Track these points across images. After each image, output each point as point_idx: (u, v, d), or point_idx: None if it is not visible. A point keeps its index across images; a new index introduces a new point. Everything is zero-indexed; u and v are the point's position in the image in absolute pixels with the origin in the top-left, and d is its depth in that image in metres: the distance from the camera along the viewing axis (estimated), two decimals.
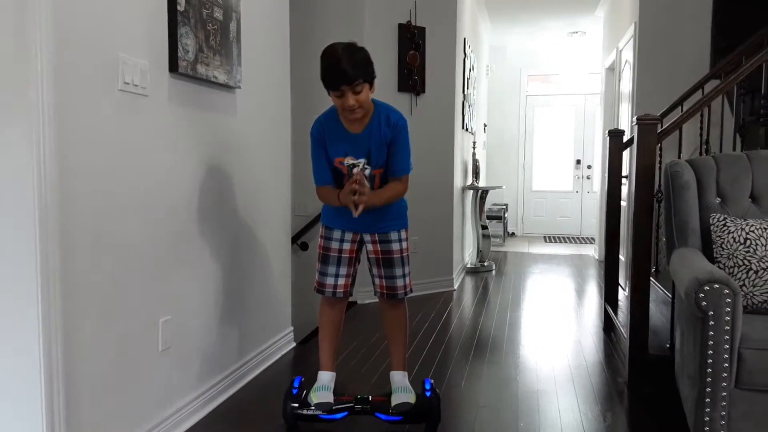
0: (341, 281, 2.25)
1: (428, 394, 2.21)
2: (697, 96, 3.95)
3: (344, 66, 1.97)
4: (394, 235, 2.25)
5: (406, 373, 2.31)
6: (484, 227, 6.00)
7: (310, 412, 2.19)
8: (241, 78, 2.56)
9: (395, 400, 2.20)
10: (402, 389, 2.24)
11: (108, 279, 1.83)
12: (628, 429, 2.31)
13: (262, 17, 2.82)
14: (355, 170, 2.12)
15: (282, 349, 3.12)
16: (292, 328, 3.27)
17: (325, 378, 2.26)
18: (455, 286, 4.94)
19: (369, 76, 2.06)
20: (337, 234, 2.25)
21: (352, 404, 2.21)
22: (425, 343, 3.37)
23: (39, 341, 1.58)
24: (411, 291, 2.30)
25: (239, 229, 2.65)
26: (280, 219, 3.11)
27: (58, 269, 1.62)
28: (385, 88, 4.42)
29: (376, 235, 2.24)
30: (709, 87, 3.81)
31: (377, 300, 2.35)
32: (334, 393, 2.24)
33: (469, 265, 5.86)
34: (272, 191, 2.99)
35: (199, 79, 2.25)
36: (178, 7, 2.07)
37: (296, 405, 2.20)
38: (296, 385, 2.24)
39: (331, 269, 2.25)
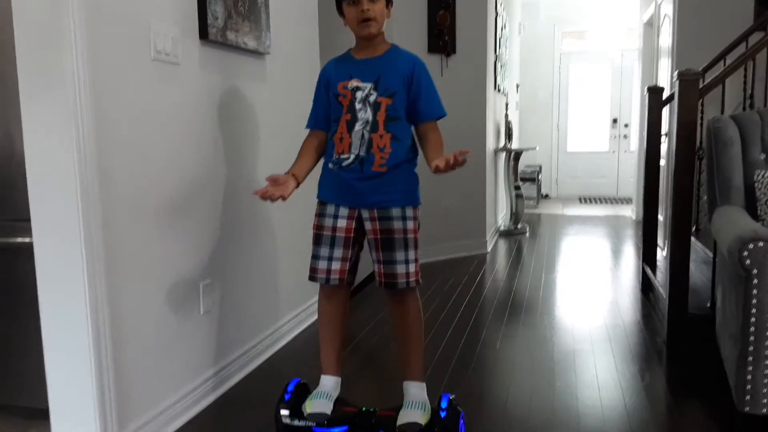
0: (336, 265, 1.87)
1: (443, 414, 1.81)
2: (741, 49, 3.79)
3: None
4: (396, 212, 1.86)
5: (422, 384, 1.92)
6: (518, 189, 5.93)
7: (300, 423, 1.88)
8: (271, 44, 2.55)
9: (402, 418, 1.82)
10: (413, 405, 1.86)
11: (149, 244, 1.87)
12: (667, 388, 2.30)
13: None
14: (358, 94, 1.84)
15: (312, 316, 3.17)
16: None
17: (327, 384, 1.93)
18: (489, 249, 4.93)
19: None
20: (330, 209, 1.90)
21: (354, 417, 1.88)
22: (459, 306, 3.39)
23: (86, 306, 1.64)
24: (417, 282, 1.89)
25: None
26: (313, 186, 3.11)
27: (101, 236, 1.66)
28: (414, 49, 4.30)
29: (375, 211, 1.86)
30: (753, 40, 3.65)
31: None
32: (338, 401, 1.93)
33: (502, 228, 5.83)
34: None
35: (229, 45, 2.25)
36: None
37: (287, 413, 1.89)
38: (290, 389, 1.93)
39: (324, 251, 1.89)
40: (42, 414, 1.92)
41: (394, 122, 1.85)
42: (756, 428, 1.89)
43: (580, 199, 8.42)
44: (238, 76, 2.37)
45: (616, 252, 4.99)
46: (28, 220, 1.67)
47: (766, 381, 1.77)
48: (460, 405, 1.89)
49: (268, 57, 2.58)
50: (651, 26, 5.94)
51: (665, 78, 5.11)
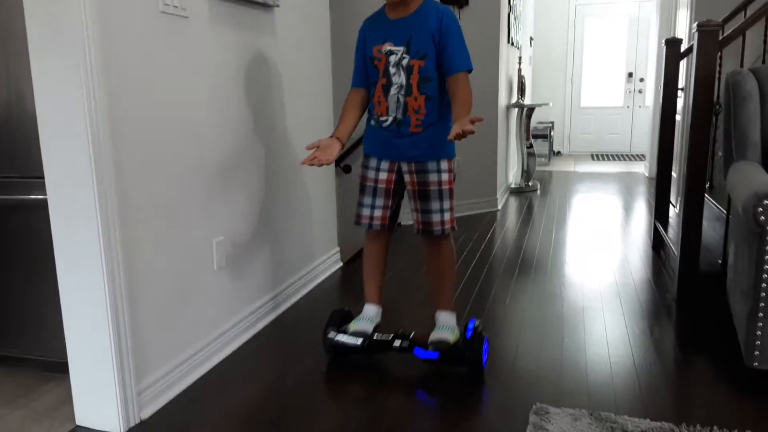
0: (378, 213, 2.11)
1: (468, 335, 2.06)
2: (762, 1, 3.67)
3: None
4: (432, 165, 2.03)
5: (453, 313, 2.18)
6: (530, 146, 5.87)
7: (344, 341, 2.12)
8: None
9: (433, 336, 2.09)
10: (444, 327, 2.13)
11: (161, 201, 1.88)
12: (676, 343, 2.31)
13: None
14: (392, 58, 1.95)
15: (330, 268, 3.21)
16: (338, 248, 3.34)
17: (369, 311, 2.22)
18: (499, 206, 4.91)
19: None
20: (373, 162, 2.10)
21: (391, 338, 2.12)
22: (470, 262, 3.40)
23: (101, 260, 1.65)
24: (453, 228, 2.10)
25: (283, 152, 2.67)
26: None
27: (114, 190, 1.67)
28: None
29: (413, 164, 2.04)
30: None
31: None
32: (377, 327, 2.19)
33: (513, 185, 5.80)
34: (314, 113, 2.98)
35: None
36: None
37: (334, 333, 2.16)
38: (333, 314, 2.22)
39: (367, 200, 2.11)
40: (60, 367, 1.98)
41: (427, 83, 1.97)
42: (764, 383, 1.91)
43: (592, 156, 8.33)
44: (247, 29, 2.33)
45: (628, 209, 4.96)
46: (40, 177, 1.68)
47: None
48: (485, 330, 2.14)
49: (277, 9, 2.53)
50: None
51: (683, 30, 4.97)
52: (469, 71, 1.96)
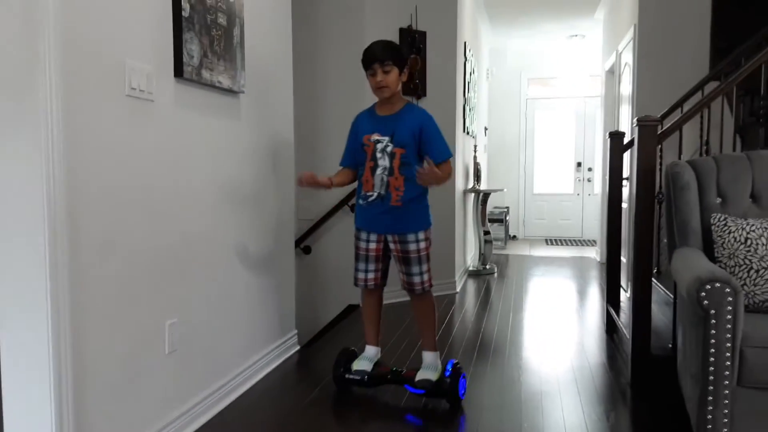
0: (371, 275, 2.58)
1: (447, 373, 2.46)
2: (697, 97, 3.98)
3: (377, 48, 2.41)
4: (411, 237, 2.48)
5: (437, 352, 2.59)
6: (486, 231, 6.01)
7: (350, 377, 2.58)
8: (245, 83, 2.58)
9: (419, 375, 2.48)
10: (428, 367, 2.51)
11: (116, 282, 1.84)
12: (632, 428, 2.32)
13: (264, 22, 2.85)
14: (378, 145, 2.43)
15: (287, 351, 3.14)
16: (296, 331, 3.29)
17: (370, 351, 2.66)
18: (458, 289, 4.96)
19: (399, 62, 2.42)
20: (363, 235, 2.56)
21: (387, 375, 2.55)
22: None
23: (48, 343, 1.60)
24: (430, 286, 2.55)
25: (244, 233, 2.67)
26: (284, 223, 3.13)
27: (67, 272, 1.63)
28: None
29: (396, 236, 2.49)
30: (709, 88, 3.83)
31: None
32: (378, 364, 2.63)
33: (471, 268, 5.88)
34: (276, 195, 3.01)
35: (204, 84, 2.28)
36: (183, 13, 2.10)
37: (342, 370, 2.60)
38: (341, 354, 2.64)
39: (361, 265, 2.58)
40: None
41: (406, 167, 2.42)
42: None
43: (546, 241, 8.56)
44: (212, 114, 2.39)
45: (582, 293, 5.07)
46: None
47: (725, 421, 1.81)
48: (462, 368, 2.52)
49: (242, 96, 2.61)
50: (612, 74, 6.19)
51: (626, 124, 5.30)
52: (449, 157, 2.46)
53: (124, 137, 1.87)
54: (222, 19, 2.36)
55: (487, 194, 6.09)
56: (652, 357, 2.67)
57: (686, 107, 3.91)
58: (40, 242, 1.58)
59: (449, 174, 2.44)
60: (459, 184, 5.17)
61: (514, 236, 8.81)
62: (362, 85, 4.15)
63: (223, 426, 2.32)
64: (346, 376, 2.58)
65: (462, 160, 5.37)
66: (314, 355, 3.22)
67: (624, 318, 3.34)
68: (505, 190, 7.25)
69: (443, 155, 2.43)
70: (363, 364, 2.60)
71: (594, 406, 2.51)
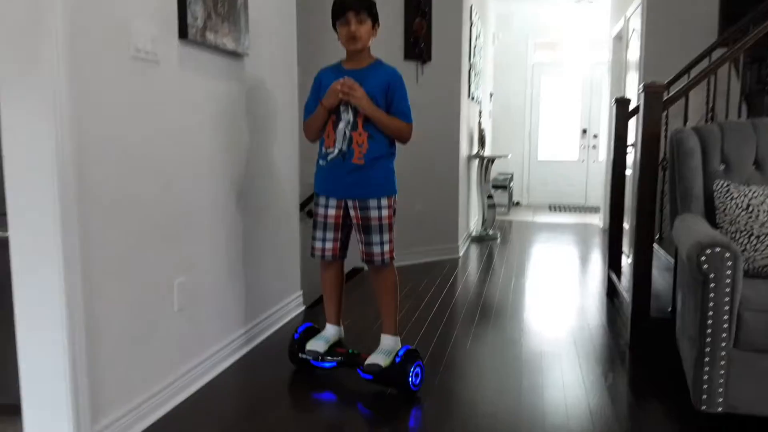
0: (329, 245, 2.36)
1: (397, 360, 2.25)
2: (704, 64, 3.94)
3: None
4: (373, 203, 2.28)
5: (396, 337, 2.39)
6: (490, 196, 6.03)
7: (302, 356, 2.41)
8: (249, 45, 2.58)
9: (369, 359, 2.28)
10: (381, 351, 2.32)
11: (125, 241, 1.88)
12: (629, 388, 2.38)
13: None
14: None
15: (292, 312, 3.20)
16: (301, 292, 3.34)
17: (329, 330, 2.47)
18: (460, 254, 5.00)
19: (373, 15, 2.28)
20: (322, 200, 2.35)
21: (340, 358, 2.38)
22: (431, 307, 3.44)
23: (61, 301, 1.64)
24: (391, 259, 2.33)
25: (249, 195, 2.70)
26: (288, 186, 3.15)
27: (77, 231, 1.67)
28: (391, 55, 4.41)
29: (357, 201, 2.28)
30: (716, 55, 3.80)
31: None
32: (337, 344, 2.46)
33: (474, 234, 5.91)
34: (280, 158, 3.03)
35: (208, 46, 2.27)
36: None
37: (295, 347, 2.44)
38: (300, 330, 2.47)
39: (319, 233, 2.37)
40: (9, 409, 1.91)
41: (371, 124, 2.24)
42: (712, 426, 1.98)
43: (550, 207, 8.57)
44: (216, 76, 2.39)
45: (584, 258, 5.11)
46: (4, 214, 1.67)
47: (721, 381, 1.86)
48: (419, 356, 2.30)
49: (246, 58, 2.61)
50: (620, 40, 6.11)
51: (633, 90, 5.26)
52: (410, 123, 2.30)
53: (130, 99, 1.89)
54: None
55: (491, 160, 6.09)
56: (651, 320, 2.71)
57: (693, 74, 3.87)
58: (50, 200, 1.61)
59: (408, 134, 2.29)
60: (463, 149, 5.17)
61: (518, 202, 8.82)
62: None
63: (226, 383, 2.39)
64: (300, 355, 2.42)
65: (466, 125, 5.36)
66: (319, 315, 3.27)
67: (625, 282, 3.39)
68: (509, 156, 7.23)
69: (406, 119, 2.28)
70: (317, 344, 2.41)
71: (592, 366, 2.57)
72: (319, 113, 2.28)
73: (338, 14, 2.24)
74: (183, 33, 2.11)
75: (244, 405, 2.22)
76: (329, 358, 2.39)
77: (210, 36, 2.25)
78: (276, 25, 2.96)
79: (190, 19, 2.11)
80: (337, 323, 2.50)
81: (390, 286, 2.39)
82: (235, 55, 2.51)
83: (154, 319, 2.04)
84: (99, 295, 1.77)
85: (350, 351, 2.40)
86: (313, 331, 2.49)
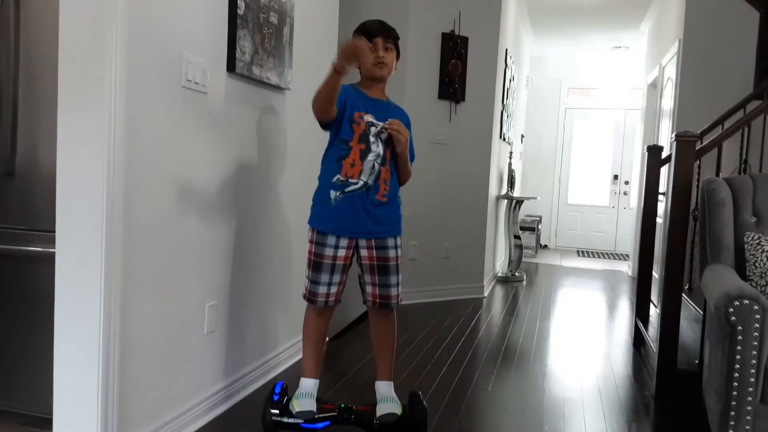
0: (334, 289, 2.14)
1: (410, 404, 2.15)
2: (739, 115, 3.94)
3: (381, 23, 2.16)
4: (391, 242, 2.15)
5: (392, 383, 2.23)
6: (517, 237, 6.02)
7: (291, 420, 2.10)
8: (292, 80, 2.68)
9: (381, 410, 2.12)
10: (388, 399, 2.16)
11: (163, 264, 1.95)
12: None
13: (313, 22, 2.94)
14: (372, 129, 2.11)
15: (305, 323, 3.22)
16: None
17: (308, 385, 2.17)
18: (485, 294, 4.99)
19: (397, 48, 2.19)
20: (331, 240, 2.11)
21: (335, 413, 2.13)
22: (454, 346, 3.44)
23: (100, 318, 1.70)
24: (402, 300, 2.24)
25: (284, 227, 2.77)
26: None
27: (120, 253, 1.74)
28: (425, 95, 4.51)
29: (373, 240, 2.13)
30: (751, 107, 3.79)
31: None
32: (318, 400, 2.16)
33: (500, 274, 5.90)
34: (313, 191, 3.09)
35: (254, 79, 2.37)
36: (238, 11, 2.20)
37: (277, 412, 2.10)
38: (278, 391, 2.15)
39: (324, 277, 2.12)
40: (39, 422, 1.97)
41: (393, 161, 2.17)
42: None
43: (578, 252, 8.50)
44: (259, 108, 2.49)
45: (611, 306, 5.05)
46: (46, 230, 1.75)
47: None
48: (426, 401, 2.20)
49: (288, 92, 2.71)
50: (655, 87, 6.14)
51: (666, 138, 5.26)
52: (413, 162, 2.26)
53: (179, 127, 1.98)
54: (273, 18, 2.46)
55: (519, 201, 6.10)
56: (677, 371, 2.67)
57: (727, 125, 3.87)
58: (98, 221, 1.69)
59: (409, 177, 2.24)
60: (492, 189, 5.20)
61: (545, 245, 8.77)
62: (402, 86, 4.24)
63: (251, 408, 2.41)
64: (285, 420, 2.09)
65: (497, 165, 5.40)
66: (342, 346, 3.29)
67: (652, 332, 3.34)
68: (538, 198, 7.25)
69: (413, 159, 2.24)
70: (306, 403, 2.10)
71: (616, 416, 2.53)
72: (328, 77, 1.99)
73: (368, 36, 2.11)
74: (231, 66, 2.21)
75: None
76: (321, 416, 2.12)
77: (256, 70, 2.35)
78: (317, 60, 3.06)
79: (238, 54, 2.22)
80: (317, 376, 2.21)
81: (394, 330, 2.26)
82: (278, 89, 2.61)
83: (185, 341, 2.09)
84: (135, 313, 1.83)
85: (341, 405, 2.17)
86: (285, 391, 2.19)
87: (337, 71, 1.95)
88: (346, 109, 2.10)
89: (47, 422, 1.79)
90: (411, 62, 4.33)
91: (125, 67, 1.71)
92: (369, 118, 2.11)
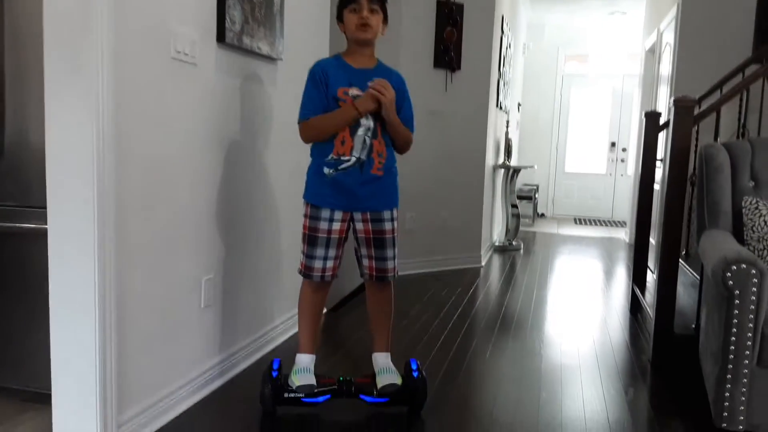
0: (330, 264, 2.10)
1: (415, 374, 2.15)
2: (737, 80, 3.89)
3: None
4: (386, 214, 2.12)
5: (389, 354, 2.24)
6: (514, 206, 6.01)
7: (291, 395, 2.09)
8: (283, 50, 2.63)
9: (381, 381, 2.12)
10: (387, 370, 2.16)
11: (157, 238, 1.94)
12: (649, 404, 2.37)
13: None
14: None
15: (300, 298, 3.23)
16: None
17: (305, 360, 2.15)
18: (483, 263, 5.00)
19: (384, 10, 2.07)
20: (325, 213, 2.08)
21: (335, 386, 2.12)
22: (452, 316, 3.45)
23: (95, 293, 1.69)
24: (398, 273, 2.19)
25: (277, 198, 2.75)
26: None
27: (113, 227, 1.72)
28: (420, 63, 4.45)
29: (368, 213, 2.10)
30: (750, 71, 3.75)
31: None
32: (315, 375, 2.14)
33: (497, 243, 5.90)
34: (306, 162, 3.06)
35: (244, 49, 2.33)
36: None
37: (276, 388, 2.09)
38: (275, 367, 2.12)
39: (320, 251, 2.09)
40: (39, 397, 1.98)
41: (386, 131, 2.09)
42: None
43: (575, 220, 8.51)
44: (250, 79, 2.44)
45: (608, 272, 5.07)
46: (38, 207, 1.73)
47: (743, 398, 1.85)
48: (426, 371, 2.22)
49: (280, 62, 2.66)
50: (653, 53, 6.06)
51: (664, 104, 5.22)
52: (412, 133, 2.17)
53: (168, 99, 1.95)
54: None
55: (517, 170, 6.08)
56: (674, 336, 2.69)
57: (726, 89, 3.83)
58: (89, 195, 1.67)
59: (411, 144, 2.16)
60: (489, 159, 5.17)
61: (542, 214, 8.78)
62: (396, 55, 4.18)
63: (246, 382, 2.42)
64: (286, 395, 2.09)
65: (494, 135, 5.36)
66: (339, 318, 3.31)
67: (649, 298, 3.36)
68: (535, 167, 7.21)
69: (412, 127, 2.15)
70: (306, 377, 2.09)
71: (613, 381, 2.55)
72: (346, 116, 2.00)
73: (349, 0, 2.02)
74: (221, 36, 2.16)
75: None
76: (322, 390, 2.12)
77: (246, 40, 2.31)
78: (310, 32, 3.01)
79: (228, 23, 2.17)
80: (313, 351, 2.19)
81: (392, 303, 2.24)
82: (270, 59, 2.56)
83: (181, 315, 2.09)
84: (130, 287, 1.82)
85: (340, 378, 2.15)
86: (282, 367, 2.17)
87: (361, 113, 2.01)
88: (329, 88, 2.04)
89: (47, 398, 1.79)
90: (405, 31, 4.26)
91: (112, 38, 1.67)
92: (354, 91, 2.04)
